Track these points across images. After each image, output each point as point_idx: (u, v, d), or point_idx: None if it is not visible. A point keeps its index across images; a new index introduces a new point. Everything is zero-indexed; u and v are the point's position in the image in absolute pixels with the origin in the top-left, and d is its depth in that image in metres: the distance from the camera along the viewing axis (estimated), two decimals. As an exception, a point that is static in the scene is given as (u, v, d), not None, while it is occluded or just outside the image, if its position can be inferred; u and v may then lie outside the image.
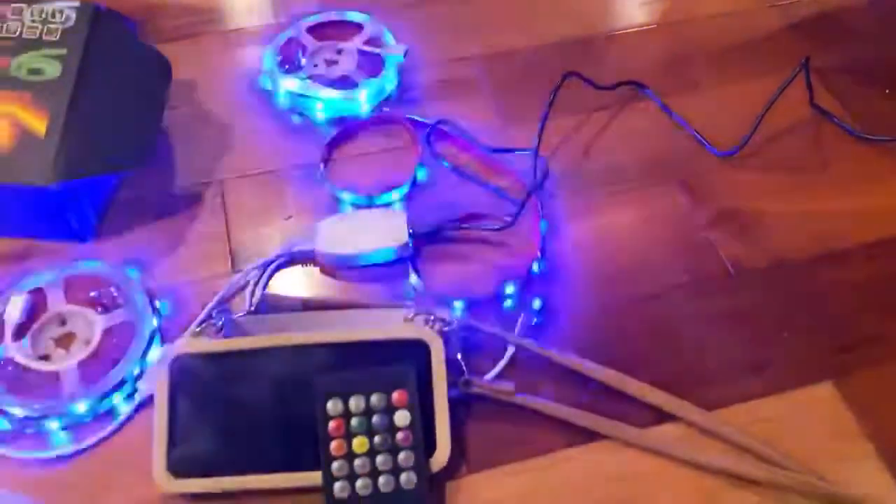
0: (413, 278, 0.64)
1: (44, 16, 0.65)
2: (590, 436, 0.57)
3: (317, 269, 0.66)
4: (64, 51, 0.64)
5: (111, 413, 0.57)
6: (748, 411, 0.58)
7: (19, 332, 0.60)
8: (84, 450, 0.56)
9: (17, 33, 0.65)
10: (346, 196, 0.70)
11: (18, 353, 0.59)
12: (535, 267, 0.65)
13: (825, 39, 0.82)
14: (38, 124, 0.62)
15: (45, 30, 0.65)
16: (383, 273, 0.65)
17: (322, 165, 0.72)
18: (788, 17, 0.85)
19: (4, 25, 0.65)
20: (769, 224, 0.69)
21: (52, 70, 0.64)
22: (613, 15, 0.86)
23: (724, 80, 0.79)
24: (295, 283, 0.65)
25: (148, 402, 0.57)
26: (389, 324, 0.58)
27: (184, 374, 0.54)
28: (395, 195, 0.70)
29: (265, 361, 0.55)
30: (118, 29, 0.67)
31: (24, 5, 0.66)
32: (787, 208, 0.69)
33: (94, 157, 0.63)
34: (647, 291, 0.64)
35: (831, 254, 0.67)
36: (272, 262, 0.65)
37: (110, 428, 0.57)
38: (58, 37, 0.65)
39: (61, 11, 0.65)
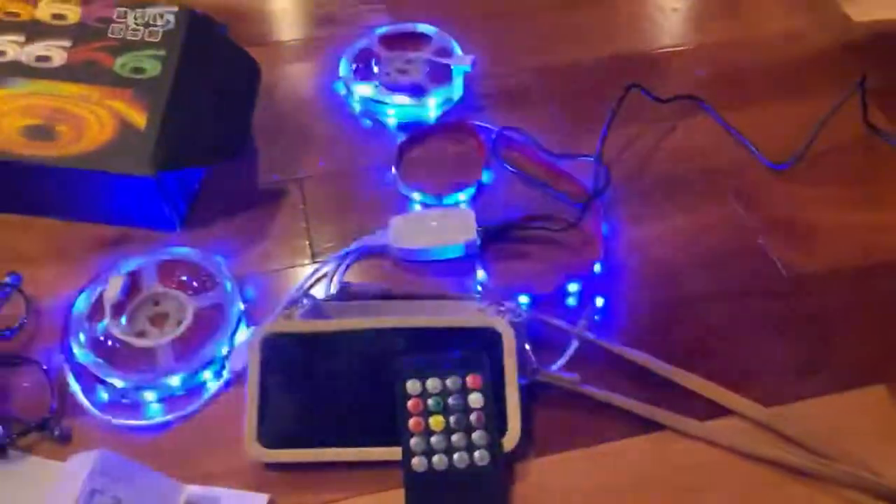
0: (480, 273, 0.68)
1: (146, 19, 0.70)
2: (650, 426, 0.60)
3: (389, 262, 0.69)
4: (163, 51, 0.69)
5: (201, 388, 0.62)
6: (803, 409, 0.61)
7: (118, 311, 0.64)
8: (177, 420, 0.60)
9: (122, 35, 0.70)
10: (416, 195, 0.74)
11: (117, 329, 0.63)
12: (597, 267, 0.68)
13: (879, 60, 0.85)
14: (138, 118, 0.67)
15: (146, 32, 0.70)
16: (451, 267, 0.69)
17: (394, 166, 0.76)
18: (843, 38, 0.88)
19: (109, 27, 0.70)
20: (821, 233, 0.71)
21: (153, 69, 0.69)
22: (672, 32, 0.90)
23: (779, 97, 0.82)
24: (369, 274, 0.69)
25: (235, 379, 0.62)
26: (462, 313, 0.62)
27: (274, 352, 0.58)
28: (462, 196, 0.74)
29: (349, 342, 0.59)
30: (213, 32, 0.72)
31: (127, 9, 0.71)
32: (840, 219, 0.72)
33: (188, 150, 0.68)
34: (704, 292, 0.67)
35: (882, 264, 0.69)
36: (349, 253, 0.69)
37: (200, 401, 0.61)
38: (158, 38, 0.70)
39: (161, 15, 0.71)
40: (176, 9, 0.71)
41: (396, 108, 0.81)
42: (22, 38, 0.70)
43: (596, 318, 0.65)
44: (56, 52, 0.69)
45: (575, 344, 0.63)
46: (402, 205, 0.74)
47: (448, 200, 0.74)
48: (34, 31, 0.70)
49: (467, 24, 0.88)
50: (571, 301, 0.67)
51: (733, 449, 0.59)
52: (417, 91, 0.82)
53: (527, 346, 0.61)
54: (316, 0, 0.92)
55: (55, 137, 0.66)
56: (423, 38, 0.86)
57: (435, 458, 0.55)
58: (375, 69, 0.83)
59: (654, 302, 0.67)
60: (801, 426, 0.59)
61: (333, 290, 0.67)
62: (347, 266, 0.69)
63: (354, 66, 0.84)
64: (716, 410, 0.61)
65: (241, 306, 0.65)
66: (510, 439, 0.57)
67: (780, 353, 0.64)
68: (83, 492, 0.51)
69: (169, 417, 0.60)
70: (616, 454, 0.59)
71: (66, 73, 0.68)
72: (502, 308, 0.61)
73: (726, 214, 0.73)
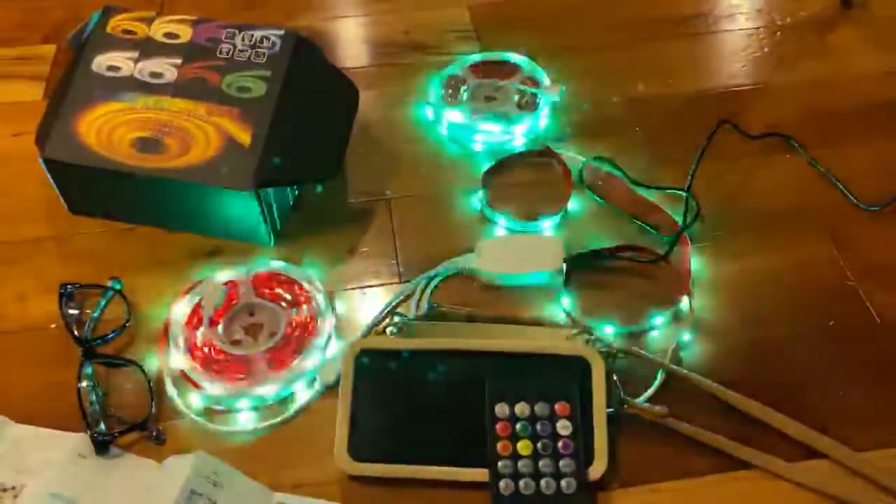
0: (566, 301, 0.69)
1: (253, 41, 0.73)
2: (737, 464, 0.59)
3: (475, 285, 0.71)
4: (269, 72, 0.72)
5: (292, 398, 0.63)
6: (894, 457, 0.59)
7: (214, 319, 0.67)
8: (268, 429, 0.62)
9: (230, 55, 0.73)
10: (502, 220, 0.75)
11: (214, 337, 0.65)
12: (685, 301, 0.68)
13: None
14: (243, 136, 0.70)
15: (253, 53, 0.73)
16: (537, 293, 0.70)
17: (481, 191, 0.77)
18: (939, 79, 0.87)
19: (219, 48, 0.73)
20: (917, 279, 0.70)
21: (258, 89, 0.71)
22: (760, 69, 0.90)
23: (870, 137, 0.81)
24: (455, 295, 0.70)
25: (325, 391, 0.63)
26: (550, 340, 0.62)
27: (367, 367, 0.60)
28: (548, 223, 0.75)
29: (440, 362, 0.60)
30: (316, 56, 0.75)
31: (236, 31, 0.74)
32: (936, 265, 0.71)
33: (289, 168, 0.70)
34: (794, 333, 0.67)
35: (982, 312, 0.68)
36: (436, 274, 0.71)
37: (291, 412, 0.62)
38: (264, 60, 0.72)
39: (268, 38, 0.73)
40: (282, 32, 0.74)
41: (484, 134, 0.82)
42: (136, 55, 0.73)
43: (682, 352, 0.65)
44: (167, 69, 0.73)
45: (661, 377, 0.63)
46: (488, 229, 0.75)
47: (534, 227, 0.75)
48: (148, 48, 0.73)
49: (556, 55, 0.89)
50: (658, 334, 0.67)
51: (821, 492, 0.58)
52: (505, 118, 0.83)
53: (614, 377, 0.61)
54: (408, 27, 0.95)
55: (163, 150, 0.70)
56: (513, 66, 0.88)
57: (521, 483, 0.56)
58: (464, 95, 0.85)
59: (741, 339, 0.66)
60: (892, 474, 0.58)
61: (421, 309, 0.68)
62: (435, 286, 0.70)
63: (444, 91, 0.86)
64: (804, 452, 0.60)
65: (333, 320, 0.67)
66: (596, 469, 0.57)
67: (872, 400, 0.63)
68: (183, 493, 0.53)
69: (260, 426, 0.62)
70: (701, 490, 0.58)
71: (176, 90, 0.72)
72: (591, 337, 0.62)
73: (817, 255, 0.72)
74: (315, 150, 0.73)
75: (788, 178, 0.78)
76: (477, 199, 0.77)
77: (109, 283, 0.70)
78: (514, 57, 0.88)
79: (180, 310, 0.67)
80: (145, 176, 0.69)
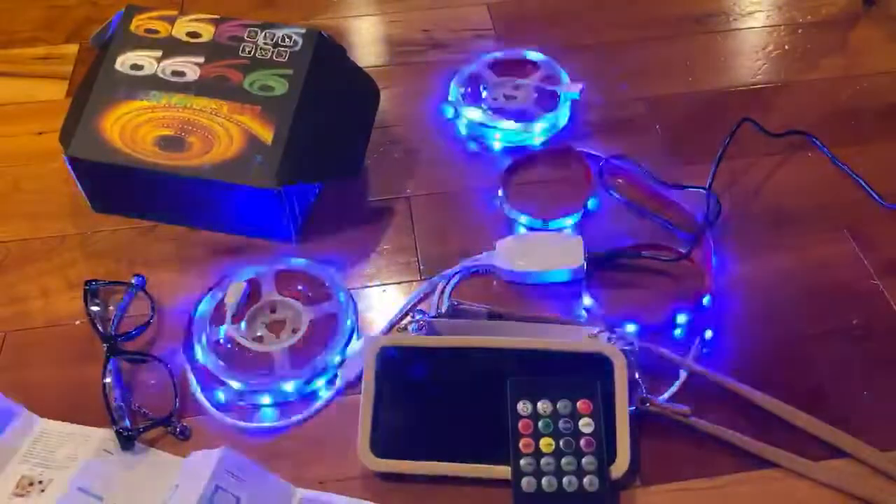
0: (587, 299, 0.69)
1: (275, 39, 0.74)
2: (759, 463, 0.59)
3: (495, 283, 0.71)
4: (290, 71, 0.72)
5: (314, 395, 0.64)
6: (921, 456, 0.59)
7: (237, 316, 0.67)
8: (290, 425, 0.62)
9: (251, 53, 0.73)
10: (523, 219, 0.75)
11: (237, 333, 0.66)
12: (706, 299, 0.68)
13: None
14: (265, 134, 0.70)
15: (275, 52, 0.73)
16: (557, 292, 0.70)
17: (501, 189, 0.77)
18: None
19: (241, 46, 0.74)
20: (941, 278, 0.70)
21: (280, 87, 0.72)
22: (781, 67, 0.89)
23: (892, 135, 0.81)
24: (475, 293, 0.70)
25: (346, 388, 0.63)
26: (572, 338, 0.62)
27: (389, 364, 0.60)
28: (568, 221, 0.75)
29: (462, 360, 0.60)
30: (338, 54, 0.75)
31: (258, 30, 0.74)
32: (960, 263, 0.70)
33: (311, 166, 0.71)
34: (816, 332, 0.66)
35: None
36: (456, 272, 0.71)
37: (314, 408, 0.63)
38: (286, 58, 0.73)
39: (290, 36, 0.74)
40: (304, 30, 0.74)
41: (503, 133, 0.82)
42: (159, 54, 0.74)
43: (704, 350, 0.65)
44: (190, 67, 0.73)
45: (684, 375, 0.63)
46: (508, 227, 0.75)
47: (554, 225, 0.75)
48: (171, 47, 0.74)
49: (575, 52, 0.89)
50: (679, 332, 0.66)
51: (844, 491, 0.57)
52: (524, 116, 0.83)
53: (637, 375, 0.61)
54: (427, 25, 0.95)
55: (186, 148, 0.70)
56: (532, 64, 0.88)
57: (544, 480, 0.56)
58: (484, 94, 0.85)
59: (764, 338, 0.66)
60: (918, 474, 0.58)
61: (442, 307, 0.68)
62: (455, 285, 0.70)
63: (463, 90, 0.86)
64: (827, 451, 0.59)
65: (354, 318, 0.67)
66: (619, 467, 0.57)
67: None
68: (208, 488, 0.53)
69: (282, 422, 0.62)
70: (723, 489, 0.58)
71: (199, 88, 0.72)
72: (613, 335, 0.62)
73: (840, 253, 0.71)
74: (337, 148, 0.73)
75: (810, 176, 0.78)
76: (496, 198, 0.77)
77: (133, 280, 0.70)
78: (534, 55, 0.88)
79: (203, 306, 0.68)
80: (168, 174, 0.70)
